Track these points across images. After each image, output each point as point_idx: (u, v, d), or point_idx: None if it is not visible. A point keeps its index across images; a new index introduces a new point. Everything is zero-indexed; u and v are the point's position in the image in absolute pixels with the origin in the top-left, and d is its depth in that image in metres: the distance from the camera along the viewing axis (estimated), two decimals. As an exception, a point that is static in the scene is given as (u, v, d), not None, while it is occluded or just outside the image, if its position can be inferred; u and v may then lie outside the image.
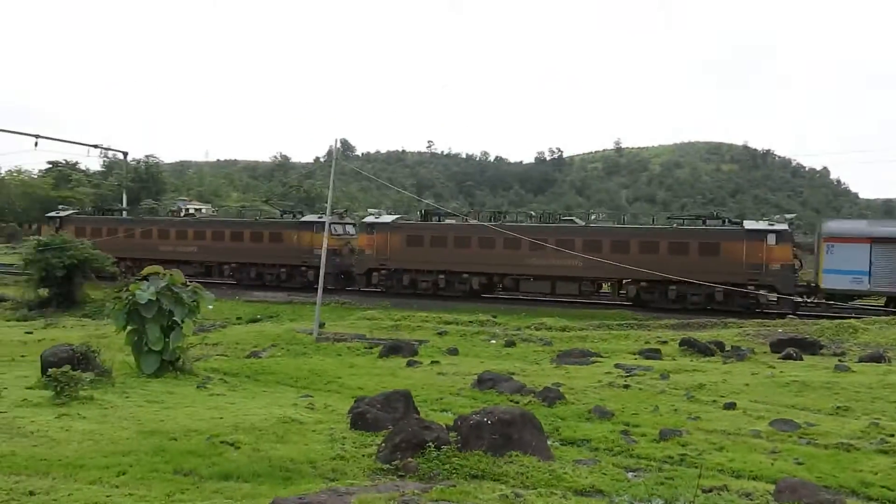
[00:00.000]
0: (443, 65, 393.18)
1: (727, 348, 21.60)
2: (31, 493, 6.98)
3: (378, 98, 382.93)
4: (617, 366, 18.04)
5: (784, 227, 29.93)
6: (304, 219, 40.13)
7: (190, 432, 9.73)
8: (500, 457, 8.41)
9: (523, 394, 13.95)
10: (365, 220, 38.98)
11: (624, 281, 31.84)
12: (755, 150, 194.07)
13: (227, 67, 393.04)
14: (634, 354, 21.32)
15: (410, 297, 34.25)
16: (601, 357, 20.47)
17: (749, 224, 31.66)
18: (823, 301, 29.17)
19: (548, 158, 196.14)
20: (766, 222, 31.35)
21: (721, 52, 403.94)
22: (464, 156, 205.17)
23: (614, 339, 24.70)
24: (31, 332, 27.66)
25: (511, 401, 13.24)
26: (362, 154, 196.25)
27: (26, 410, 10.45)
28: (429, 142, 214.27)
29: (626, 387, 14.90)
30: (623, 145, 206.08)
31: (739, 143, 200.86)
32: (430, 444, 8.40)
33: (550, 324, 27.27)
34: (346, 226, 40.46)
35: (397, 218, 38.13)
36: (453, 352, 21.78)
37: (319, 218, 37.08)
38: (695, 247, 30.34)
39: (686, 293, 30.34)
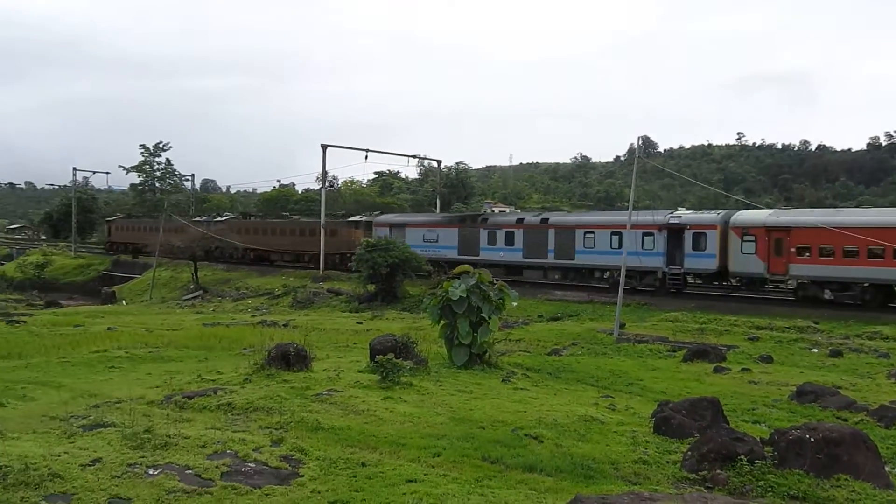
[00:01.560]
0: (746, 49, 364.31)
1: None
2: (363, 465, 7.89)
3: (680, 91, 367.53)
4: (979, 386, 15.16)
5: (364, 218, 51.44)
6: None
7: (496, 423, 10.22)
8: (824, 479, 7.53)
9: (853, 411, 12.40)
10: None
11: (301, 252, 53.73)
12: None
13: (528, 73, 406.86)
14: None
15: (717, 300, 32.36)
16: (956, 375, 17.34)
17: (351, 218, 53.23)
18: None
19: (884, 144, 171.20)
20: (360, 216, 53.41)
21: None
22: (779, 146, 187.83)
23: (975, 355, 20.77)
24: (361, 323, 31.41)
25: (837, 418, 11.84)
26: (664, 151, 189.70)
27: (358, 391, 11.81)
28: (738, 133, 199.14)
29: None
30: None
31: None
32: (742, 457, 7.80)
33: (887, 333, 23.81)
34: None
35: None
36: (766, 359, 20.05)
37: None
38: (330, 232, 51.19)
39: (328, 260, 50.46)
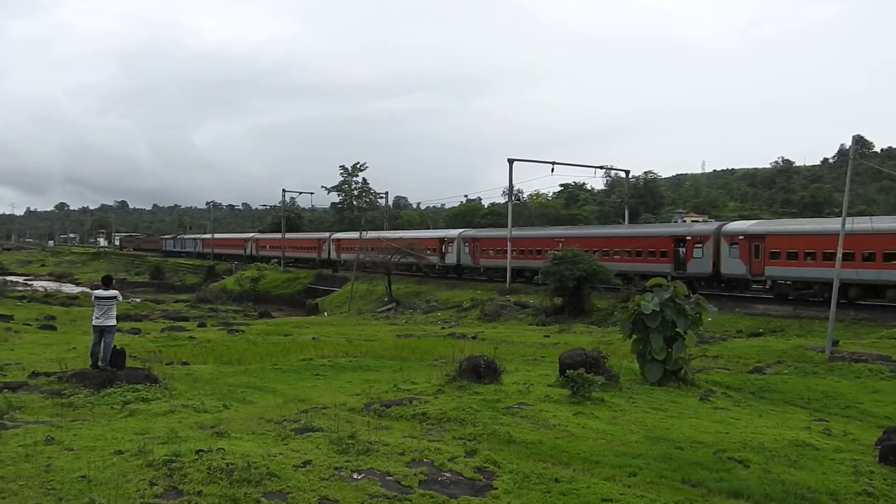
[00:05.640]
0: None
1: None
2: (557, 480, 7.79)
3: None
4: None
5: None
6: None
7: (695, 444, 9.70)
8: None
9: None
10: None
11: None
12: None
13: (721, 68, 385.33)
14: None
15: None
16: None
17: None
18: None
19: None
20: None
21: None
22: None
23: None
24: (548, 336, 31.20)
25: None
26: (881, 150, 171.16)
27: (548, 405, 11.71)
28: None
29: None
30: None
31: None
32: None
33: None
34: None
35: None
36: None
37: None
38: None
39: None
